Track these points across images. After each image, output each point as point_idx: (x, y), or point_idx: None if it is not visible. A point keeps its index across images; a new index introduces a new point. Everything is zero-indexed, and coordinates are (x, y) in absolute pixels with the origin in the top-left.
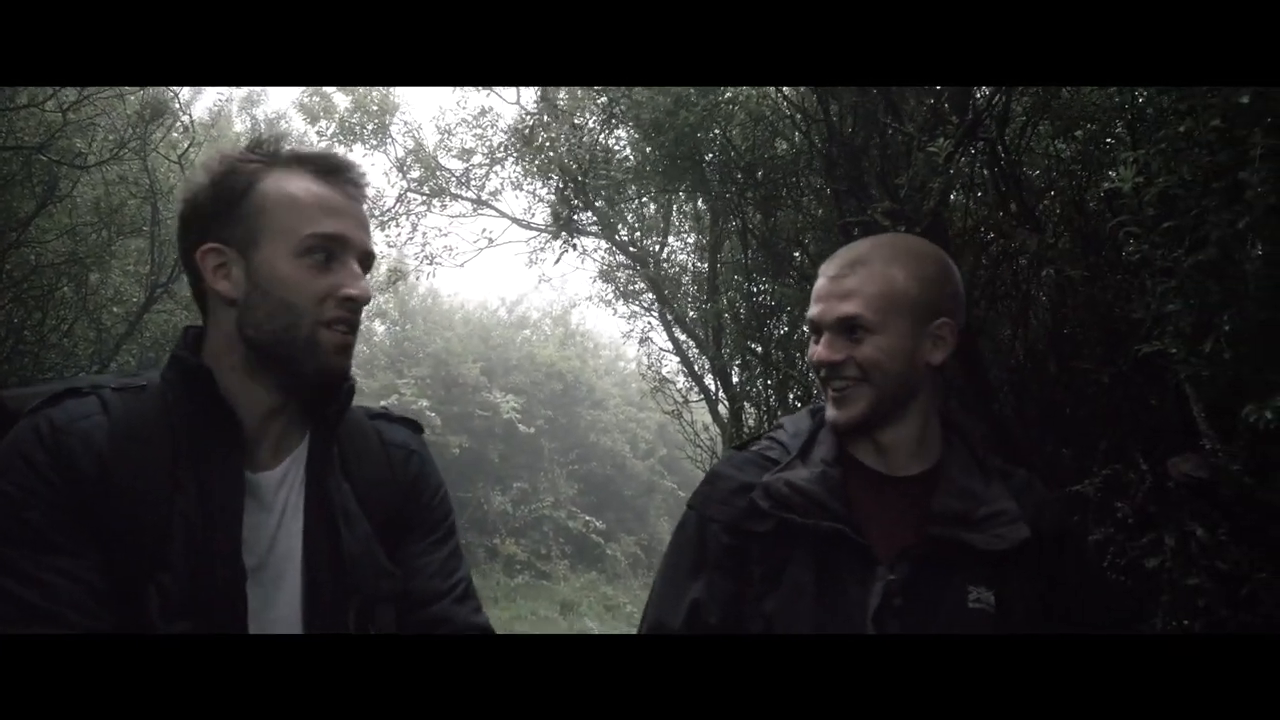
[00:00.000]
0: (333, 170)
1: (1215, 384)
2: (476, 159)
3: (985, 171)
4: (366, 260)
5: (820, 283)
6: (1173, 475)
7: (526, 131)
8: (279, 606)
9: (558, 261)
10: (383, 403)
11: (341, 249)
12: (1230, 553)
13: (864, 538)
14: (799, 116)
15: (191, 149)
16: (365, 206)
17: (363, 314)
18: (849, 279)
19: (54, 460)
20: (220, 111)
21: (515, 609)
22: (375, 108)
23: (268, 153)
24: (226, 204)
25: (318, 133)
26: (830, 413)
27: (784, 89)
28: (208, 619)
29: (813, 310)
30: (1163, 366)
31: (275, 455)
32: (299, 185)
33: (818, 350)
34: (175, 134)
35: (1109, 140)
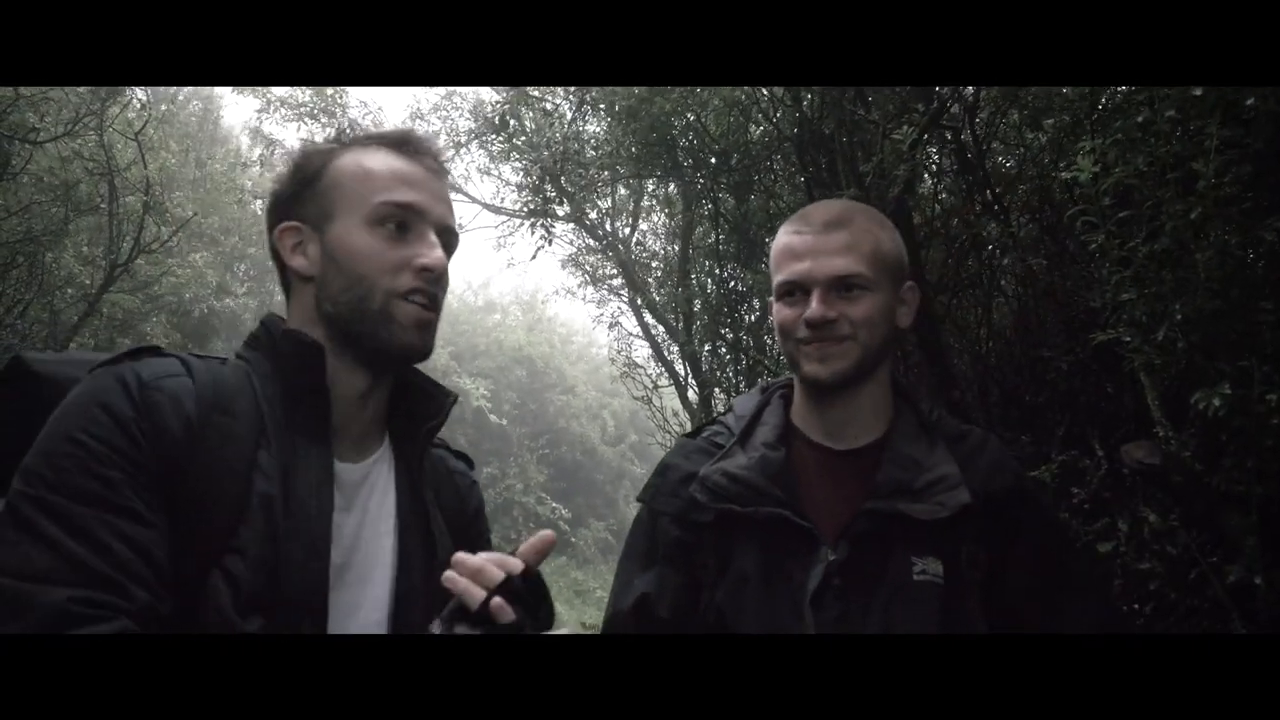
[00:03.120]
0: (409, 145)
1: (1168, 372)
2: (441, 141)
3: (953, 160)
4: (447, 236)
5: (799, 239)
6: (1126, 462)
7: (496, 119)
8: (366, 611)
9: (534, 257)
10: None
11: (417, 219)
12: (1180, 537)
13: (807, 519)
14: (771, 103)
15: (148, 126)
16: (446, 185)
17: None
18: (839, 235)
19: (139, 416)
20: (177, 90)
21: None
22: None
23: (346, 139)
24: (302, 184)
25: (257, 112)
26: (812, 368)
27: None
28: (285, 617)
29: (797, 267)
30: (1119, 354)
31: (358, 451)
32: (373, 158)
33: (813, 308)
34: (130, 113)
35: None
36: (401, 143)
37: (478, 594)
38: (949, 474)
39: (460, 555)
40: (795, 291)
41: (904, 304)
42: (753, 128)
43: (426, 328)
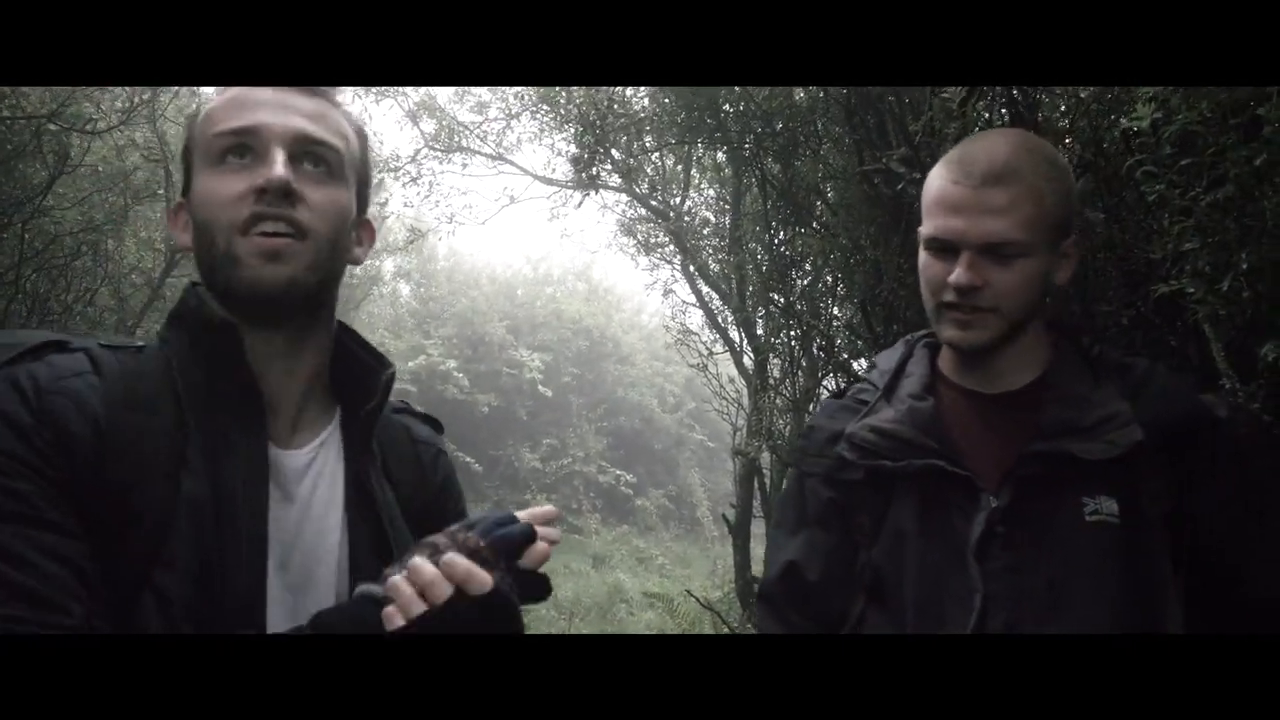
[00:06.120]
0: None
1: (1233, 323)
2: (492, 112)
3: (1004, 114)
4: (300, 143)
5: (956, 191)
6: None
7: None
8: (307, 615)
9: (579, 205)
10: (410, 363)
11: (258, 140)
12: None
13: (965, 467)
14: None
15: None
16: (315, 98)
17: (301, 216)
18: (999, 193)
19: (40, 424)
20: None
21: (549, 564)
22: None
23: None
24: (183, 159)
25: None
26: (951, 334)
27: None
28: (224, 629)
29: (949, 224)
30: (1181, 307)
31: (295, 435)
32: (221, 97)
33: (959, 274)
34: (182, 98)
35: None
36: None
37: (397, 621)
38: (1119, 410)
39: (416, 562)
40: (945, 248)
41: (1065, 259)
42: (798, 92)
43: (276, 256)
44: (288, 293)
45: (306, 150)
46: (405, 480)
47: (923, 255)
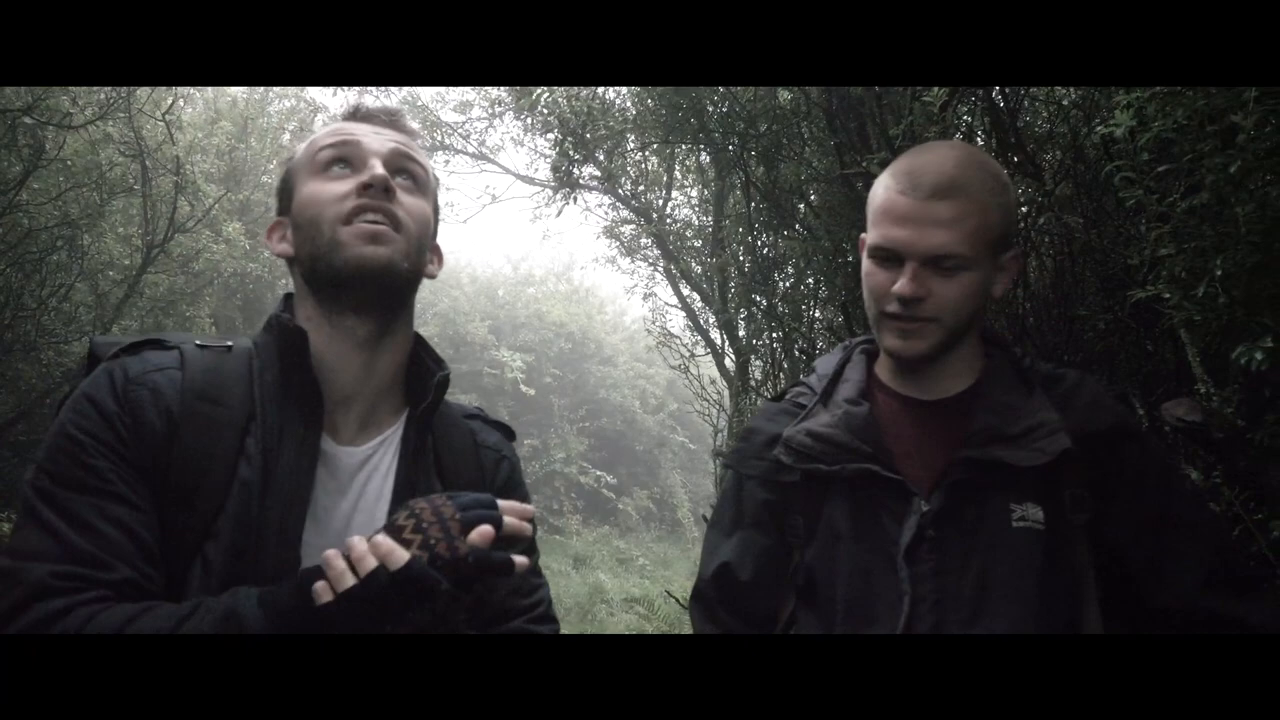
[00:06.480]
0: (356, 112)
1: (1209, 328)
2: (476, 112)
3: (985, 120)
4: (395, 158)
5: (902, 202)
6: (1167, 420)
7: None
8: None
9: (559, 214)
10: None
11: (358, 152)
12: (1223, 494)
13: (898, 472)
14: None
15: (176, 104)
16: (402, 134)
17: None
18: (945, 206)
19: (122, 411)
20: None
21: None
22: None
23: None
24: (280, 188)
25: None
26: (892, 343)
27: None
28: None
29: (895, 234)
30: (1158, 311)
31: (362, 432)
32: (321, 130)
33: (903, 284)
34: (158, 93)
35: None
36: (351, 113)
37: (325, 596)
38: (1048, 419)
39: (353, 539)
40: (890, 257)
41: (1003, 271)
42: (782, 93)
43: (377, 239)
44: (387, 271)
45: (399, 166)
46: (462, 481)
47: (866, 263)
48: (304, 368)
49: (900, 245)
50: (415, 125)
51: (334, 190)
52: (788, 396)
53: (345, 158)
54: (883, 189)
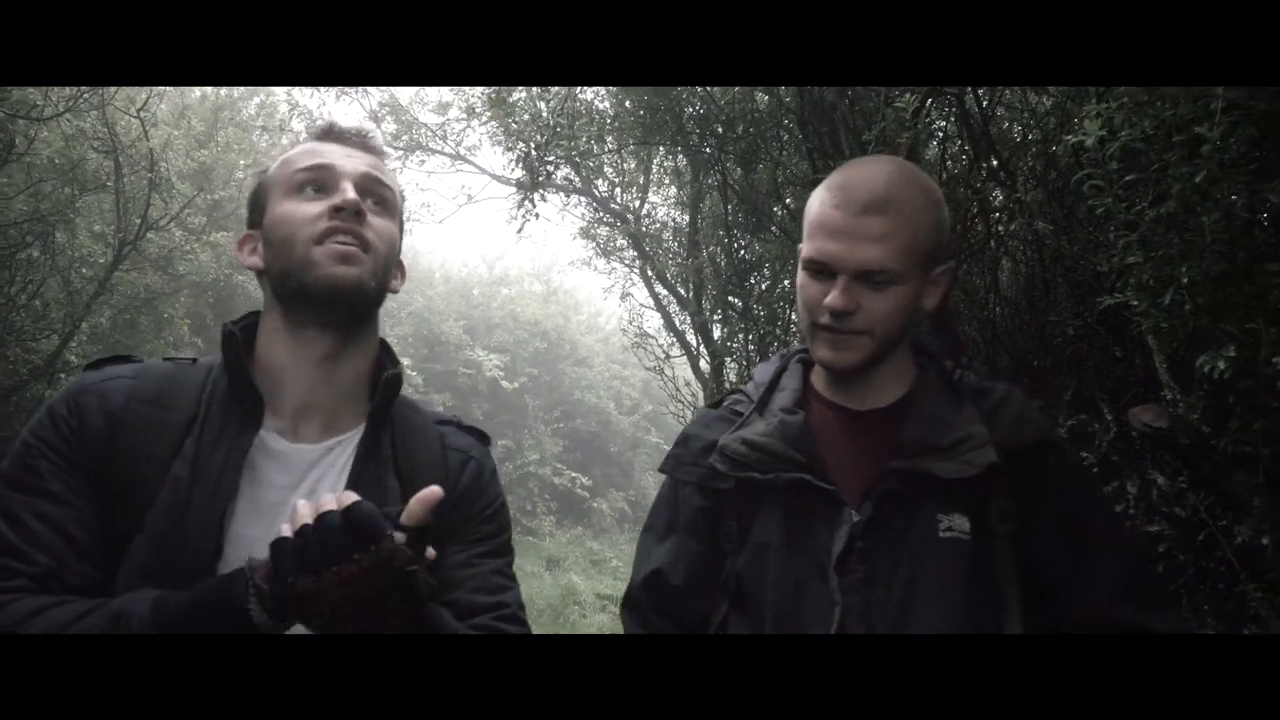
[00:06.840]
0: (330, 133)
1: (1175, 335)
2: (454, 113)
3: (957, 125)
4: (365, 182)
5: (836, 216)
6: (1134, 425)
7: (493, 92)
8: None
9: (520, 229)
10: None
11: (331, 175)
12: (1189, 499)
13: (831, 481)
14: None
15: (151, 100)
16: (372, 155)
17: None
18: (876, 221)
19: (70, 414)
20: None
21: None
22: None
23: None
24: (252, 203)
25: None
26: (824, 355)
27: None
28: (172, 589)
29: (827, 247)
30: (1126, 318)
31: (323, 431)
32: (294, 150)
33: (834, 297)
34: (131, 88)
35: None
36: (324, 133)
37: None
38: (976, 432)
39: (300, 502)
40: (822, 270)
41: (934, 286)
42: (759, 95)
43: (349, 260)
44: (356, 290)
45: (369, 188)
46: (421, 481)
47: (800, 274)
48: (240, 368)
49: (832, 259)
50: (385, 145)
51: (307, 211)
52: (725, 404)
53: (318, 180)
54: (818, 202)
